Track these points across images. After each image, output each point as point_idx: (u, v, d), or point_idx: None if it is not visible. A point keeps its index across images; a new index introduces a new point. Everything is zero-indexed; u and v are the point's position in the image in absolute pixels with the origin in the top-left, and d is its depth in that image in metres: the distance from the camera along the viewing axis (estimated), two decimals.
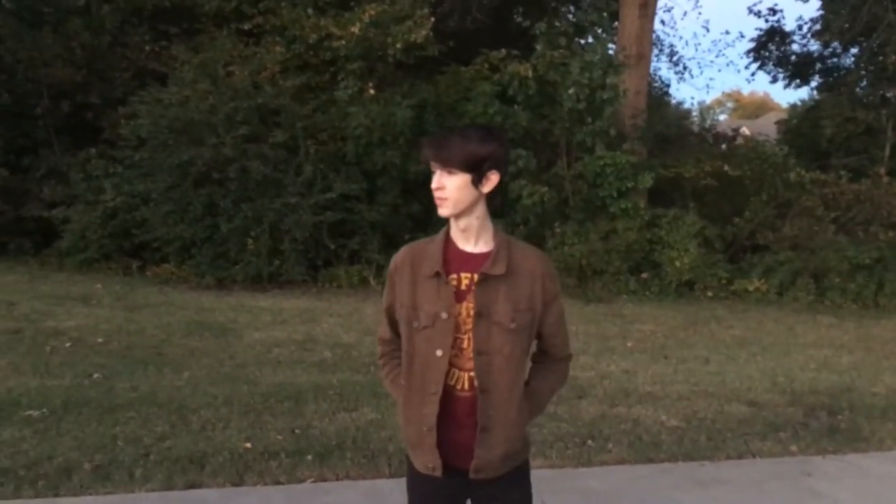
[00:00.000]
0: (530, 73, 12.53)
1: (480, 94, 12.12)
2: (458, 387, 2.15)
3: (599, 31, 13.03)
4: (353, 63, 11.84)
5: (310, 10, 12.46)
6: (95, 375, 5.97)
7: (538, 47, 12.79)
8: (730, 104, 66.76)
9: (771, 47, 21.11)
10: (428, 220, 12.40)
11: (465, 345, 2.14)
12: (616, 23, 14.69)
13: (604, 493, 4.33)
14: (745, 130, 28.48)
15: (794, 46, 20.91)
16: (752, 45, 21.15)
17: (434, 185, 2.10)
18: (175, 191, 11.16)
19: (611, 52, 14.01)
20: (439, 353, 2.12)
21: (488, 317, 2.12)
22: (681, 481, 4.56)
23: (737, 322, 10.13)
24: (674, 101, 25.93)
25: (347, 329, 8.50)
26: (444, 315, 2.12)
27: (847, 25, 17.17)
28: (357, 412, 5.40)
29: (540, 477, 4.44)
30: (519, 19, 13.35)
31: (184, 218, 11.17)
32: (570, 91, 12.18)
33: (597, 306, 10.81)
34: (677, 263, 12.04)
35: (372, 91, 12.00)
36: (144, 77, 12.76)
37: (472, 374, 2.13)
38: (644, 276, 12.25)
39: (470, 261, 2.16)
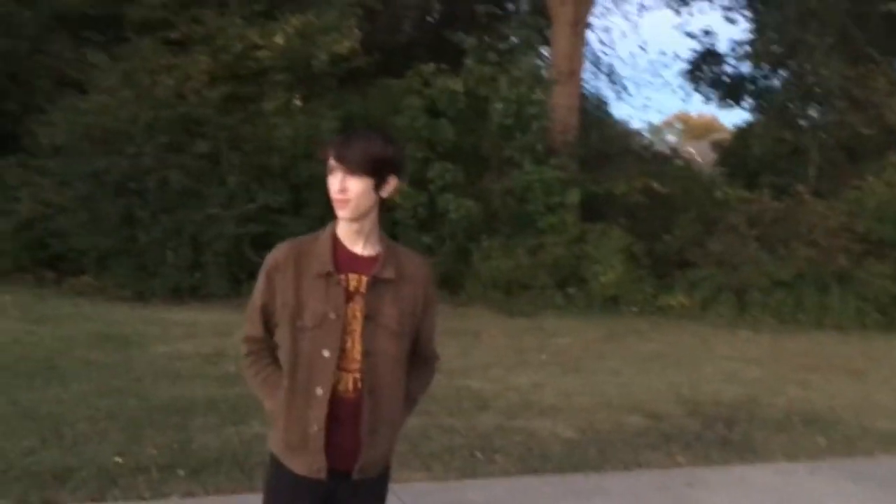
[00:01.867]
0: (460, 88, 12.56)
1: (408, 108, 12.09)
2: (342, 388, 2.13)
3: (528, 48, 13.11)
4: (278, 74, 11.73)
5: (238, 20, 12.31)
6: None
7: (468, 62, 12.84)
8: (678, 125, 68.16)
9: (704, 68, 21.53)
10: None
11: (348, 345, 2.12)
12: (548, 40, 14.86)
13: None
14: (690, 150, 29.02)
15: (727, 68, 21.36)
16: (687, 66, 21.57)
17: (336, 187, 2.08)
18: (90, 200, 10.88)
19: (542, 68, 14.16)
20: (326, 353, 2.10)
21: (376, 319, 2.13)
22: (562, 493, 4.54)
23: (656, 336, 10.23)
24: (620, 120, 26.27)
25: None
26: (332, 315, 2.11)
27: (774, 47, 17.63)
28: (244, 425, 5.26)
29: (419, 490, 4.40)
30: (450, 34, 13.39)
31: (100, 228, 10.90)
32: (499, 106, 12.23)
33: (519, 320, 10.81)
34: (602, 279, 12.13)
35: (298, 102, 11.89)
36: (65, 85, 12.45)
37: (356, 375, 2.13)
38: (570, 290, 12.30)
39: (358, 262, 2.15)
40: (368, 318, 2.13)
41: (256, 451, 4.75)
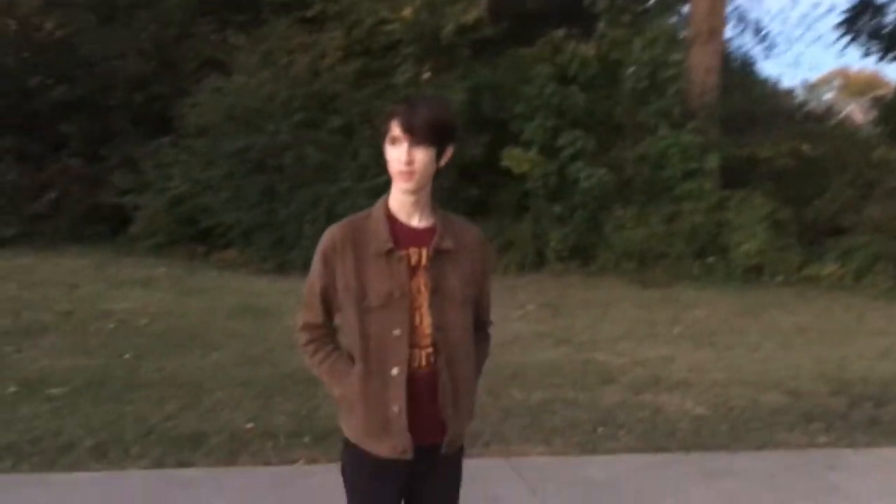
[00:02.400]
0: (592, 53, 12.23)
1: (537, 76, 11.88)
2: (416, 364, 2.10)
3: (664, 8, 12.53)
4: (408, 47, 11.81)
5: None
6: (126, 356, 6.16)
7: (601, 25, 12.47)
8: (836, 82, 63.60)
9: (863, 19, 19.95)
10: (484, 204, 12.32)
11: (417, 321, 2.09)
12: None
13: (602, 482, 4.18)
14: (850, 108, 27.08)
15: (889, 18, 19.70)
16: (843, 17, 20.05)
17: (404, 158, 2.01)
18: (232, 177, 11.40)
19: (680, 29, 13.55)
20: (397, 332, 2.07)
21: (442, 291, 2.11)
22: (688, 472, 4.37)
23: (802, 308, 9.65)
24: (768, 79, 24.80)
25: None
26: (397, 293, 2.07)
27: None
28: None
29: (539, 465, 4.36)
30: None
31: (242, 204, 11.41)
32: (631, 70, 11.81)
33: (653, 291, 10.48)
34: (744, 247, 11.54)
35: (427, 75, 11.93)
36: (210, 67, 13.05)
37: (428, 350, 2.10)
38: (710, 260, 11.80)
39: (416, 236, 2.11)
40: (434, 290, 2.09)
41: None
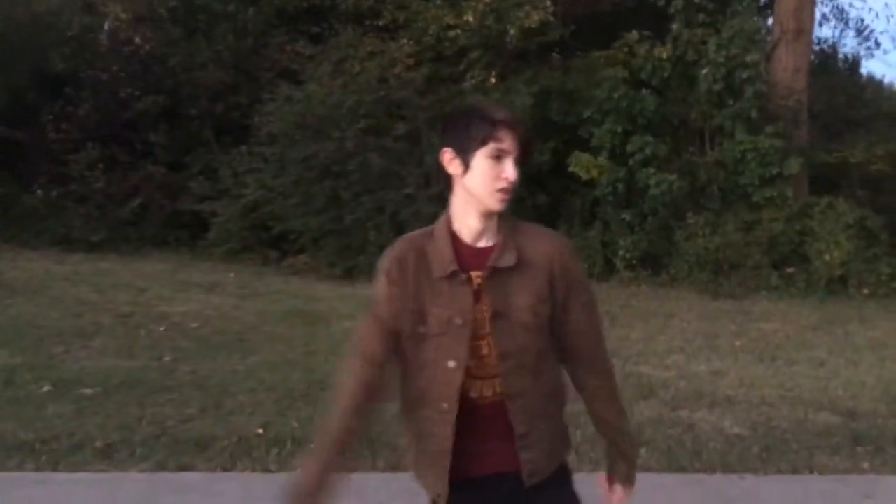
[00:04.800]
0: (665, 55, 11.85)
1: (607, 80, 11.59)
2: (479, 395, 1.91)
3: (743, 4, 11.99)
4: (474, 52, 11.75)
5: (438, 1, 12.49)
6: (166, 358, 6.30)
7: (674, 26, 12.07)
8: None
9: None
10: (554, 212, 12.11)
11: (484, 351, 1.89)
12: None
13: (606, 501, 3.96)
14: None
15: None
16: None
17: (512, 176, 1.84)
18: (301, 184, 11.60)
19: (761, 29, 12.98)
20: (452, 364, 1.87)
21: (507, 316, 1.88)
22: (701, 495, 4.11)
23: (883, 323, 9.00)
24: (872, 80, 23.50)
25: None
26: (458, 321, 1.87)
27: None
28: (391, 404, 5.29)
29: None
30: None
31: (310, 210, 11.59)
32: (705, 71, 11.38)
33: (724, 302, 10.02)
34: (826, 257, 10.90)
35: (493, 80, 11.83)
36: (285, 77, 13.34)
37: (496, 381, 1.90)
38: (790, 270, 11.20)
39: (480, 257, 1.90)
40: (496, 315, 1.87)
41: (392, 431, 4.76)
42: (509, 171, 1.83)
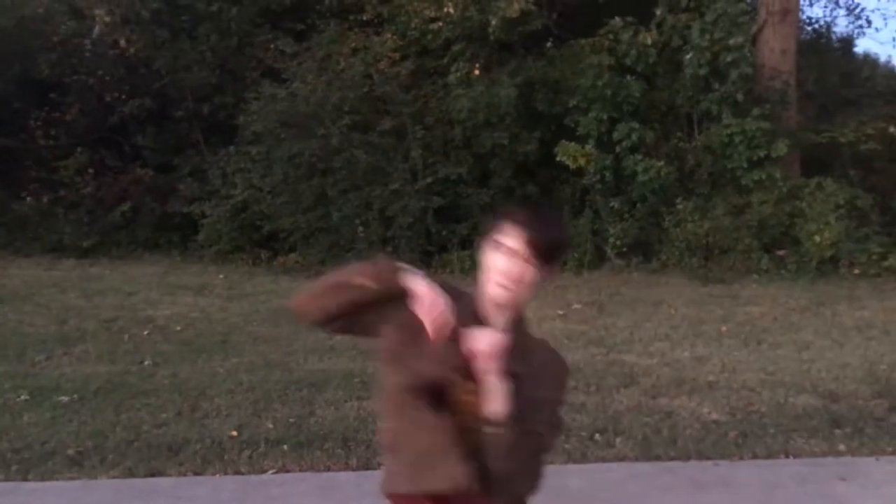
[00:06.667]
0: (649, 41, 11.79)
1: (590, 67, 11.52)
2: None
3: None
4: (457, 45, 11.69)
5: None
6: (146, 362, 6.28)
7: (658, 11, 12.00)
8: None
9: None
10: (544, 201, 12.08)
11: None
12: None
13: (579, 492, 3.95)
14: None
15: None
16: None
17: (515, 274, 1.84)
18: (288, 182, 11.57)
19: (747, 11, 12.88)
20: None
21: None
22: (678, 482, 4.09)
23: (873, 303, 8.97)
24: (862, 59, 23.30)
25: None
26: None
27: None
28: (368, 401, 5.29)
29: None
30: None
31: (298, 208, 11.56)
32: (690, 56, 11.32)
33: (713, 287, 9.99)
34: (817, 238, 10.85)
35: (477, 72, 11.78)
36: (269, 75, 13.28)
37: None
38: (780, 253, 11.15)
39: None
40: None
41: (369, 428, 4.75)
42: (510, 268, 1.84)
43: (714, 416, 5.07)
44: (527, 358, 1.89)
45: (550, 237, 1.87)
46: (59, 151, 13.99)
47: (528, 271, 1.84)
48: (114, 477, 4.09)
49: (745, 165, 11.34)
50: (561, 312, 8.36)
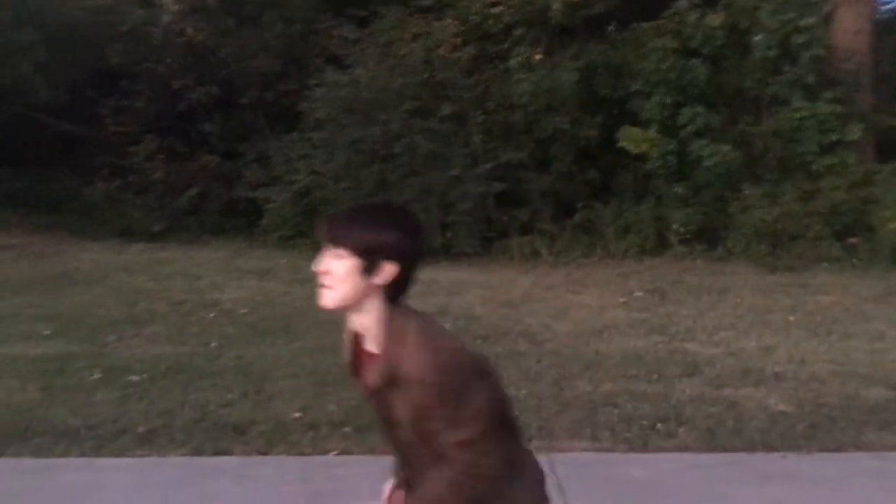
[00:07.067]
0: (717, 23, 11.51)
1: (654, 51, 11.31)
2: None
3: None
4: (518, 30, 11.61)
5: None
6: (213, 344, 6.43)
7: None
8: None
9: None
10: (605, 187, 11.95)
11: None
12: None
13: (637, 482, 3.92)
14: None
15: None
16: None
17: (319, 266, 1.82)
18: (349, 168, 11.67)
19: None
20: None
21: (391, 422, 1.93)
22: (742, 473, 4.02)
23: None
24: None
25: (487, 301, 8.39)
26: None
27: None
28: None
29: (577, 461, 4.14)
30: None
31: (359, 194, 11.64)
32: (758, 38, 11.01)
33: (782, 276, 9.73)
34: (891, 225, 10.47)
35: (538, 57, 11.67)
36: (333, 62, 13.39)
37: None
38: (853, 240, 10.81)
39: (369, 360, 1.88)
40: (383, 420, 2.02)
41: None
42: (316, 262, 1.82)
43: (781, 407, 4.96)
44: (388, 370, 1.80)
45: (340, 222, 1.82)
46: (128, 138, 14.34)
47: (334, 263, 1.79)
48: (182, 455, 4.21)
49: (816, 150, 11.01)
50: (622, 300, 8.26)
